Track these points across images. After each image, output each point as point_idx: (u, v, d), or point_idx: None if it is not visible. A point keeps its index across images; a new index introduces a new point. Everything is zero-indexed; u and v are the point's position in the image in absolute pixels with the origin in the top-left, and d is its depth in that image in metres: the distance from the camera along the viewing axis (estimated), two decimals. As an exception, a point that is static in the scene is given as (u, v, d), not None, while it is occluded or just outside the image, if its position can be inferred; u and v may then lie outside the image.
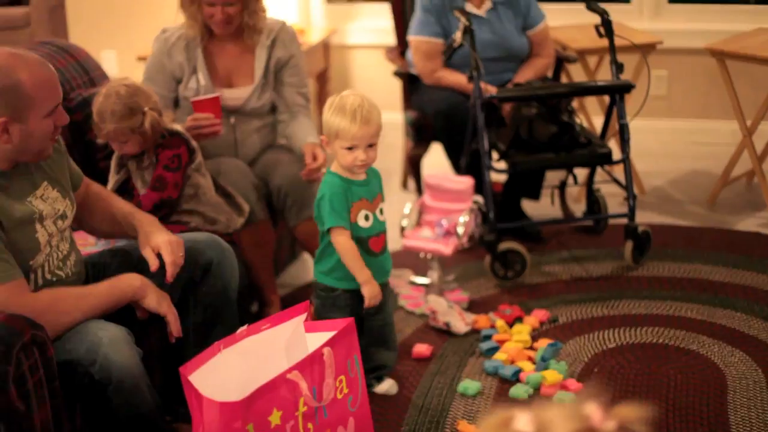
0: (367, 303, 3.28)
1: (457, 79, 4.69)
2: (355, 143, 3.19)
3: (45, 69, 2.74)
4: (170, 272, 2.96)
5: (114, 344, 2.70)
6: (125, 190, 3.62)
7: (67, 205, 2.93)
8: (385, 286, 3.43)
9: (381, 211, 3.41)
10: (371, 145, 3.24)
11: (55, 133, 2.81)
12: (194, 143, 3.65)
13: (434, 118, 4.79)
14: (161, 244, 2.99)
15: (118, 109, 3.42)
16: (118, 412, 2.74)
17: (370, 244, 3.36)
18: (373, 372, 3.49)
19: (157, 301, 2.90)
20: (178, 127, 3.66)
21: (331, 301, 3.36)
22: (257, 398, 2.54)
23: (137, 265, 3.03)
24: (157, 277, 2.96)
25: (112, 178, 3.65)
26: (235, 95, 4.00)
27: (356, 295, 3.33)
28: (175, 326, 2.93)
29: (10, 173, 2.78)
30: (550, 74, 4.97)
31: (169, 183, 3.53)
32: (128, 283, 2.89)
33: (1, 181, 2.75)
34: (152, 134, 3.51)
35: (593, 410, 1.39)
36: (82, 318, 2.76)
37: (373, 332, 3.46)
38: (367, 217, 3.34)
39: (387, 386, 3.53)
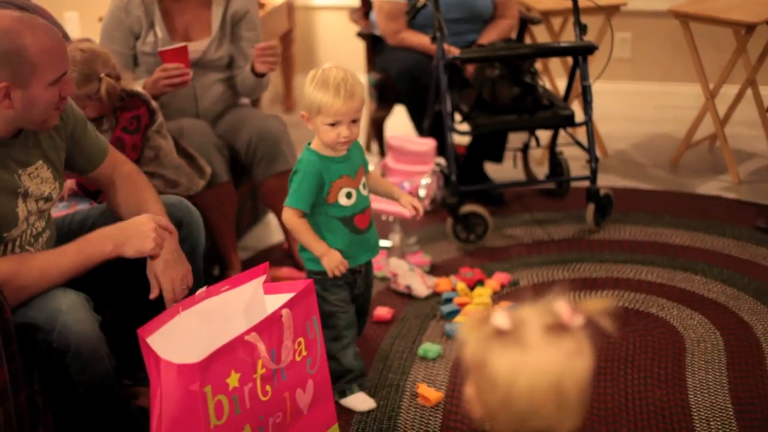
0: (329, 273, 3.14)
1: (420, 40, 4.67)
2: (338, 119, 3.02)
3: (51, 36, 2.69)
4: (168, 304, 2.90)
5: (73, 312, 2.67)
6: None
7: (55, 188, 2.89)
8: (370, 262, 3.35)
9: (364, 186, 3.22)
10: (354, 121, 3.07)
11: (61, 104, 2.75)
12: (155, 104, 3.62)
13: (397, 79, 4.77)
14: (163, 281, 2.87)
15: (73, 76, 3.35)
16: (76, 378, 2.71)
17: (355, 222, 3.19)
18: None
19: (135, 253, 2.83)
20: (138, 87, 3.63)
21: (329, 283, 3.20)
22: (215, 360, 2.52)
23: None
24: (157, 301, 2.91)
25: None
26: (192, 48, 3.96)
27: (350, 273, 3.22)
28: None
29: (8, 142, 2.74)
30: (514, 36, 4.95)
31: (128, 145, 3.49)
32: (98, 248, 2.80)
33: None
34: (109, 100, 3.47)
35: (562, 307, 1.60)
36: (47, 286, 2.72)
37: (359, 307, 3.37)
38: (349, 195, 3.15)
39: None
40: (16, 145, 2.77)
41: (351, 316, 3.26)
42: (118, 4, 3.95)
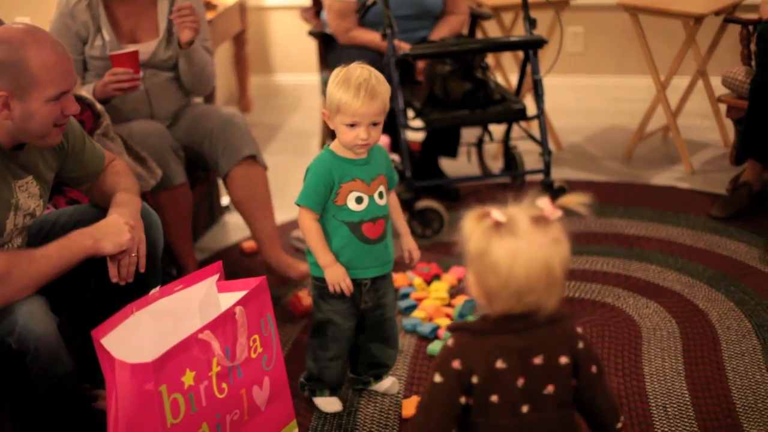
0: (330, 288, 3.01)
1: (371, 37, 4.67)
2: (356, 120, 2.86)
3: (57, 52, 2.68)
4: (111, 273, 2.89)
5: (31, 313, 2.66)
6: None
7: (39, 205, 2.88)
8: (385, 278, 3.16)
9: (381, 195, 3.04)
10: (375, 124, 2.91)
11: (62, 121, 2.74)
12: (99, 107, 3.59)
13: None
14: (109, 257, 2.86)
15: None
16: (36, 381, 2.70)
17: (363, 229, 3.01)
18: (372, 369, 3.30)
19: (114, 247, 2.82)
20: (82, 92, 3.60)
21: (325, 291, 3.07)
22: (169, 359, 2.52)
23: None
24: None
25: None
26: (141, 49, 3.94)
27: (354, 284, 3.05)
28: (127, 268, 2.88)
29: (10, 154, 2.73)
30: (465, 31, 4.96)
31: None
32: (79, 243, 2.79)
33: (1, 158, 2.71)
34: None
35: (544, 203, 2.00)
36: (35, 288, 2.70)
37: (373, 328, 3.20)
38: (360, 200, 2.99)
39: (387, 384, 3.33)
40: (17, 157, 2.76)
41: (345, 330, 3.14)
42: (63, 10, 3.91)
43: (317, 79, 5.35)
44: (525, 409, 2.05)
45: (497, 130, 5.06)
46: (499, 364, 2.02)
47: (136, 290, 2.89)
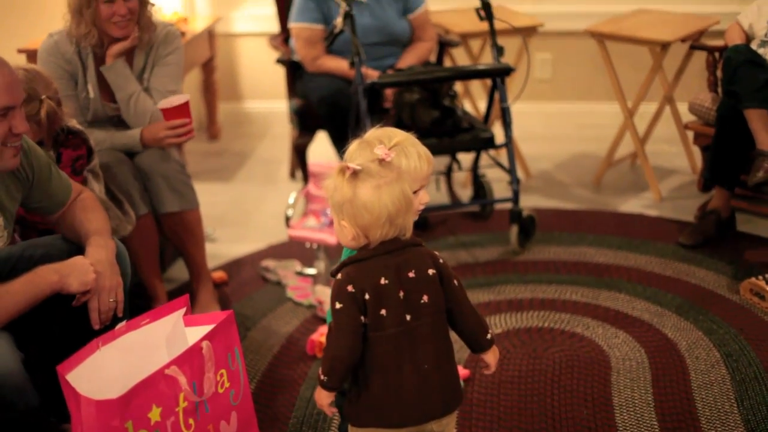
0: None
1: (338, 64, 4.67)
2: (423, 183, 2.59)
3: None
4: (93, 320, 2.88)
5: None
6: None
7: (3, 237, 2.85)
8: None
9: None
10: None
11: (12, 141, 2.70)
12: (93, 143, 3.56)
13: (318, 104, 4.76)
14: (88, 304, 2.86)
15: None
16: (3, 416, 2.66)
17: None
18: None
19: (79, 285, 2.80)
20: (76, 124, 3.54)
21: None
22: (135, 395, 2.49)
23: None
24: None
25: None
26: (117, 108, 3.92)
27: None
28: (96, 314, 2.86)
29: None
30: (433, 59, 4.97)
31: None
32: (44, 279, 2.76)
33: None
34: (48, 124, 3.37)
35: (380, 150, 2.37)
36: (5, 319, 2.68)
37: None
38: None
39: None
40: None
41: None
42: (53, 52, 3.82)
43: (286, 107, 5.34)
44: (408, 317, 2.38)
45: (465, 158, 5.07)
46: (383, 280, 2.36)
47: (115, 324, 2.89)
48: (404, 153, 2.60)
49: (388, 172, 2.35)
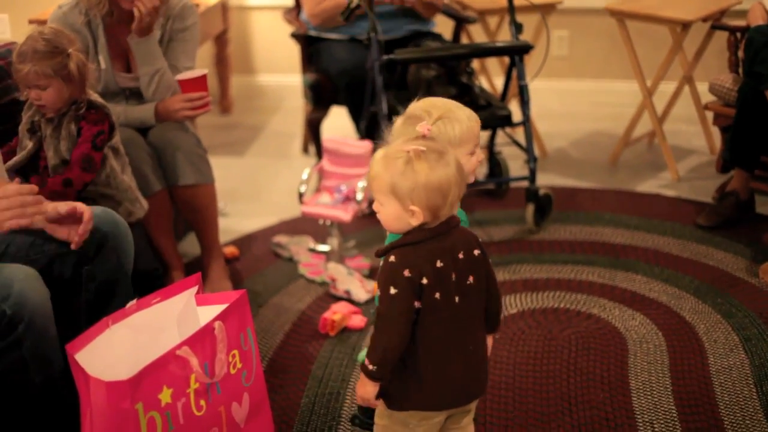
0: None
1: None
2: (477, 141, 2.63)
3: None
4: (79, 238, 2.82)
5: (29, 281, 2.65)
6: (34, 165, 3.41)
7: None
8: None
9: None
10: None
11: None
12: (116, 119, 3.50)
13: (338, 77, 4.72)
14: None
15: (40, 47, 3.20)
16: (26, 353, 2.66)
17: None
18: None
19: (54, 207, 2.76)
20: (98, 98, 3.47)
21: None
22: (146, 376, 2.45)
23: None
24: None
25: (21, 150, 3.42)
26: (133, 80, 3.87)
27: None
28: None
29: None
30: (449, 36, 4.91)
31: (97, 164, 3.35)
32: None
33: None
34: (80, 78, 3.28)
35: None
36: None
37: None
38: None
39: None
40: None
41: None
42: (62, 24, 3.71)
43: (299, 81, 5.29)
44: (457, 299, 2.34)
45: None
46: (438, 263, 2.30)
47: (104, 302, 2.93)
48: (452, 120, 2.59)
49: (440, 146, 2.29)
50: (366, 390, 2.39)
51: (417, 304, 2.30)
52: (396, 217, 2.32)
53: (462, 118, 2.56)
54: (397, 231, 2.35)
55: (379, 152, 2.32)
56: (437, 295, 2.31)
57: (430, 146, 2.27)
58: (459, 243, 2.35)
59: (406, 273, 2.28)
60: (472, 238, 2.40)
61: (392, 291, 2.28)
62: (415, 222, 2.29)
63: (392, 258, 2.31)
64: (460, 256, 2.34)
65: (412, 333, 2.33)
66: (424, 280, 2.28)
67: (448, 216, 2.31)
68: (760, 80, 4.08)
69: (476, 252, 2.38)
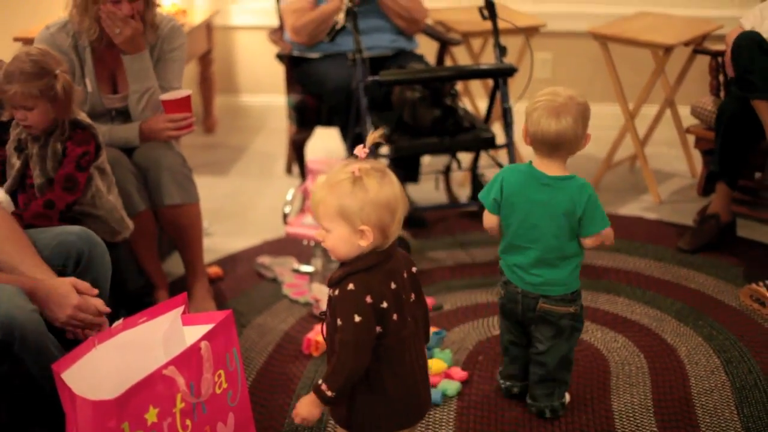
0: None
1: (323, 8, 4.70)
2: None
3: None
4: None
5: (12, 299, 2.63)
6: (22, 183, 3.41)
7: None
8: None
9: None
10: None
11: None
12: (101, 139, 3.49)
13: (332, 94, 4.73)
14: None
15: (27, 67, 3.19)
16: (32, 370, 2.68)
17: None
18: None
19: (47, 316, 2.77)
20: (85, 117, 3.47)
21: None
22: (132, 396, 2.45)
23: None
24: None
25: (9, 168, 3.42)
26: (120, 100, 3.88)
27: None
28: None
29: None
30: (432, 60, 4.94)
31: (81, 184, 3.35)
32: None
33: None
34: (66, 99, 3.26)
35: (358, 150, 2.32)
36: None
37: None
38: None
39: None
40: None
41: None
42: (49, 45, 3.70)
43: (283, 101, 5.30)
44: (409, 318, 2.40)
45: (465, 157, 5.03)
46: (393, 285, 2.35)
47: None
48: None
49: (381, 166, 2.34)
50: (313, 413, 2.41)
51: (378, 328, 2.34)
52: (345, 240, 2.32)
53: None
54: (346, 256, 2.35)
55: (320, 178, 2.35)
56: (395, 316, 2.35)
57: (373, 165, 2.31)
58: (400, 262, 2.41)
59: (368, 299, 2.30)
60: (406, 257, 2.47)
61: (357, 319, 2.29)
62: (364, 243, 2.30)
63: (351, 286, 2.31)
64: (405, 275, 2.41)
65: (377, 357, 2.36)
66: (384, 304, 2.32)
67: (395, 236, 2.34)
68: (751, 89, 4.10)
69: (414, 269, 2.45)
